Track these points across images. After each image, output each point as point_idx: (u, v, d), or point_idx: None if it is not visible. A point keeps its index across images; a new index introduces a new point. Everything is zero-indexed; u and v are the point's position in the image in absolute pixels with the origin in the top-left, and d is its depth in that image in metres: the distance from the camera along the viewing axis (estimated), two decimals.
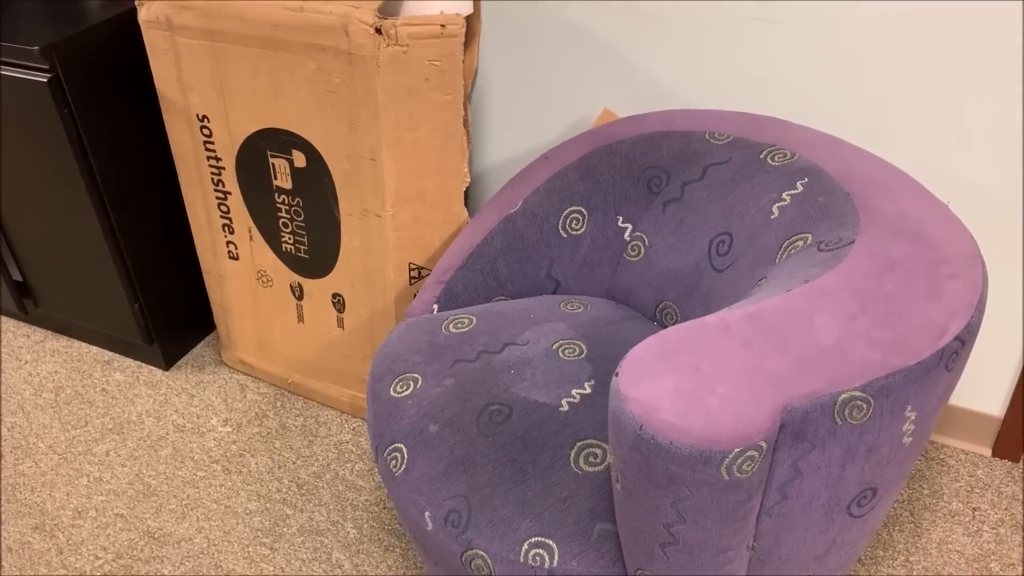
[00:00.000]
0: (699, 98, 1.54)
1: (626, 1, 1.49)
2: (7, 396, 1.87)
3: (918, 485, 1.61)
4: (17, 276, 1.95)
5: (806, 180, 1.19)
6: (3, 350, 2.00)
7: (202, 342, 2.01)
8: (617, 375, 0.87)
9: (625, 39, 1.53)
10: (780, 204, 1.20)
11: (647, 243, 1.36)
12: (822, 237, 1.10)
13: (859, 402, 0.87)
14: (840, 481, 0.93)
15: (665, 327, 1.36)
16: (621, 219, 1.39)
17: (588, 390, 1.18)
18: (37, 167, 1.64)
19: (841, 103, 1.45)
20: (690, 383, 0.84)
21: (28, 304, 2.00)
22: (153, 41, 1.46)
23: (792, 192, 1.19)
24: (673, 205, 1.33)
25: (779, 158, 1.24)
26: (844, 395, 0.86)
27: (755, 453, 0.82)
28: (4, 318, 2.11)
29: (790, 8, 1.39)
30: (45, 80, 1.48)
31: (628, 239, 1.39)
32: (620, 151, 1.38)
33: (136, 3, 1.43)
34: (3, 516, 1.60)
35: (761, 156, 1.26)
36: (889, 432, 0.92)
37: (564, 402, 1.16)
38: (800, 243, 1.13)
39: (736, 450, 0.81)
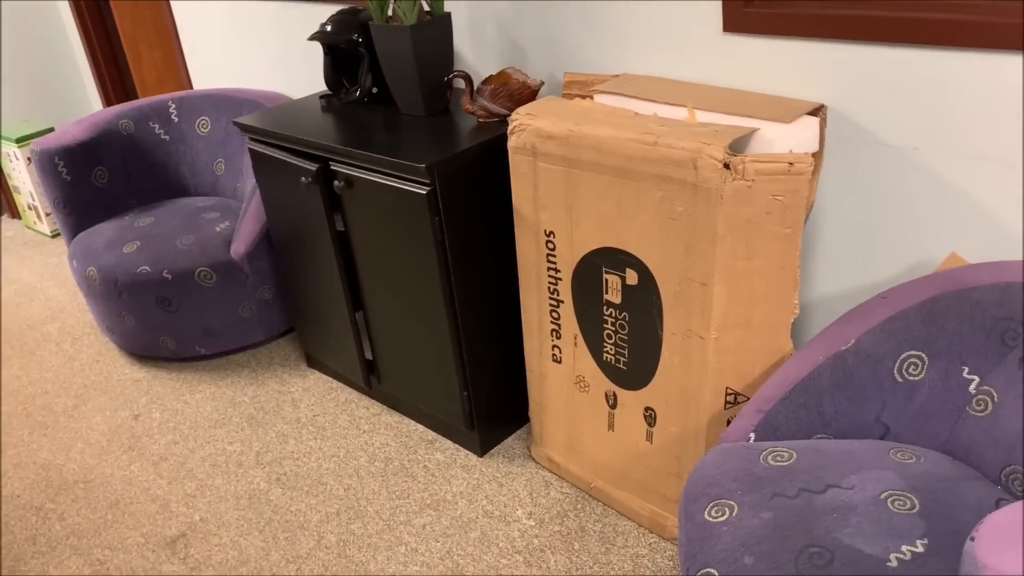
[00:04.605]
0: None
1: (983, 146, 1.44)
2: (345, 460, 2.12)
3: None
4: (369, 355, 2.23)
5: None
6: (347, 419, 2.28)
7: (514, 435, 2.15)
8: (973, 539, 0.82)
9: (979, 183, 1.47)
10: None
11: (996, 399, 1.27)
12: None
13: None
14: None
15: (1012, 493, 1.24)
16: (967, 370, 1.31)
17: (920, 548, 1.11)
18: (403, 263, 1.90)
19: None
20: None
21: (373, 380, 2.28)
22: (518, 165, 1.65)
23: None
24: None
25: None
26: None
27: None
28: (351, 390, 2.41)
29: None
30: (424, 192, 1.72)
31: (973, 392, 1.30)
32: (971, 298, 1.31)
33: (508, 131, 1.63)
34: (335, 570, 1.80)
35: None
36: None
37: (892, 557, 1.10)
38: None
39: None
